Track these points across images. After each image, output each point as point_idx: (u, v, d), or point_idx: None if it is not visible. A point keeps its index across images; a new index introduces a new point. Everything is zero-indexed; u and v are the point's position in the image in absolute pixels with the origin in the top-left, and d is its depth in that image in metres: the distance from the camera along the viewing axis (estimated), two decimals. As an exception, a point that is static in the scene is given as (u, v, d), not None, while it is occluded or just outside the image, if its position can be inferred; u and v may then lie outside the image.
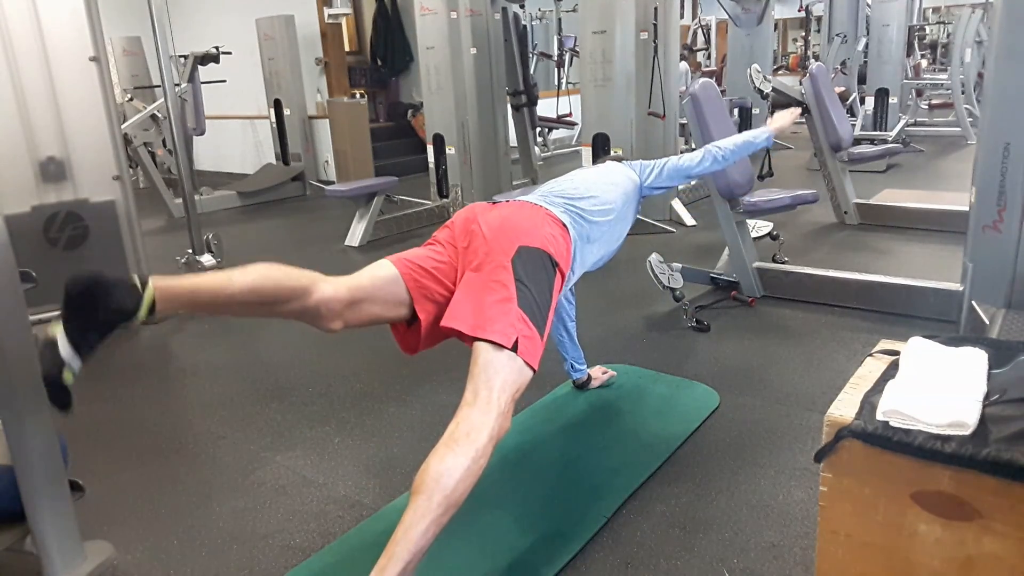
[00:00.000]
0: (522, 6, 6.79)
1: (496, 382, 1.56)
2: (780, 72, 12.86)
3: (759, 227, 4.42)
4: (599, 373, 2.72)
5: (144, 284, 1.53)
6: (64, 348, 1.48)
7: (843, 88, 8.44)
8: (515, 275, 1.68)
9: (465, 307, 1.67)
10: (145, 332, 3.70)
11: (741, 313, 3.49)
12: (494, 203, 1.97)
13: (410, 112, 8.76)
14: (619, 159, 2.56)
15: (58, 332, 1.49)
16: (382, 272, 1.78)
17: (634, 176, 2.36)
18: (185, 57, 6.59)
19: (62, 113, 3.36)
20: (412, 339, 1.84)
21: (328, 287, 1.69)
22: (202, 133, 7.09)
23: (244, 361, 3.27)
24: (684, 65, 7.79)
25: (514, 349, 1.59)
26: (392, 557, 1.42)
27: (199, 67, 6.74)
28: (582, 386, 2.67)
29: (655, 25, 4.80)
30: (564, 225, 1.92)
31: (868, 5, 9.07)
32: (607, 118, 5.02)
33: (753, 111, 8.47)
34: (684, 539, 1.89)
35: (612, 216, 2.12)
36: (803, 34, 11.43)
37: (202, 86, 6.92)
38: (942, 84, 9.20)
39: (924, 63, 10.83)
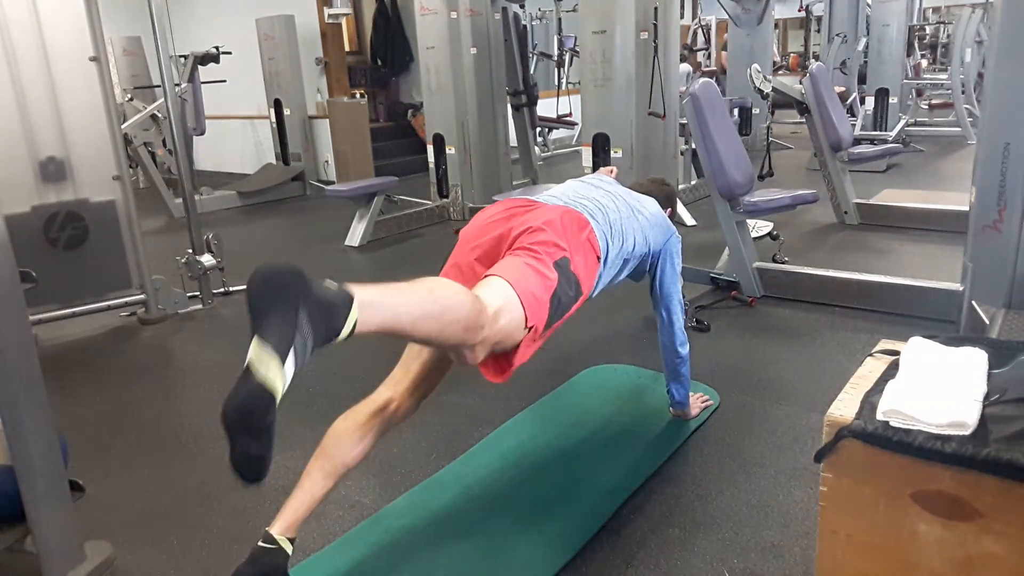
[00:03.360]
0: (522, 6, 6.78)
1: (501, 321, 1.42)
2: (780, 72, 12.85)
3: (759, 227, 4.42)
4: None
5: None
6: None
7: (843, 88, 8.44)
8: (559, 274, 1.61)
9: (507, 265, 1.58)
10: (145, 332, 3.70)
11: (741, 313, 3.49)
12: (533, 200, 1.84)
13: (410, 112, 8.76)
14: (670, 194, 2.42)
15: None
16: (425, 351, 1.78)
17: (655, 240, 2.14)
18: (185, 57, 6.59)
19: (62, 113, 3.37)
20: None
21: (395, 403, 1.75)
22: (202, 133, 7.09)
23: (244, 361, 3.27)
24: (686, 67, 7.79)
25: (526, 330, 1.51)
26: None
27: (199, 67, 6.74)
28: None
29: (655, 25, 4.80)
30: (598, 259, 1.82)
31: (868, 5, 9.07)
32: (607, 118, 5.01)
33: (753, 111, 8.47)
34: (684, 539, 1.89)
35: (619, 264, 1.99)
36: (782, 35, 11.37)
37: (202, 86, 6.92)
38: (942, 84, 9.20)
39: (924, 63, 10.83)
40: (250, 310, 1.11)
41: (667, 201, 2.42)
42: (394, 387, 1.78)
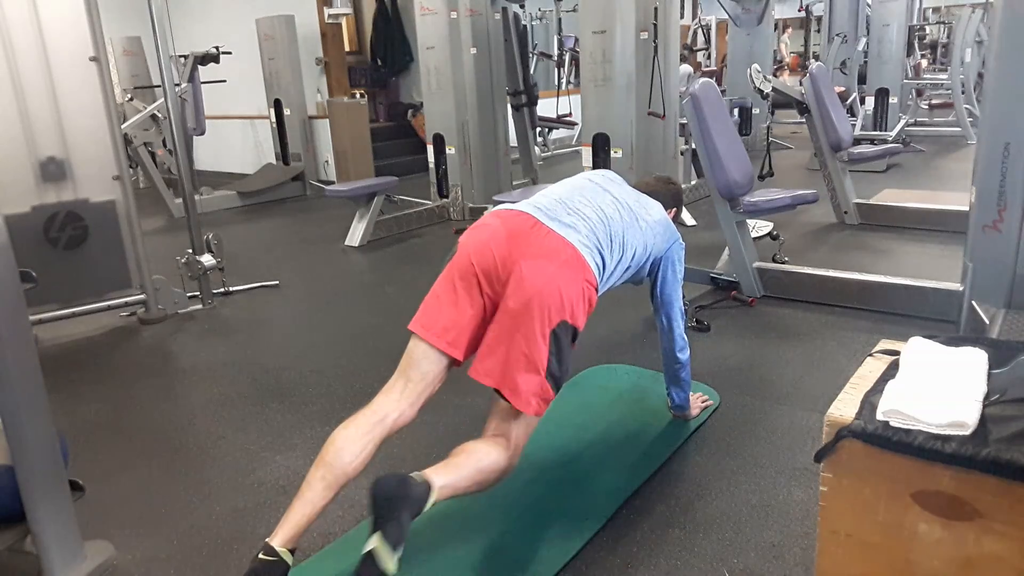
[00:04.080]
0: (522, 6, 6.78)
1: (523, 438, 1.80)
2: (784, 72, 12.84)
3: (759, 227, 4.42)
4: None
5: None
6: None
7: (843, 88, 8.44)
8: (550, 348, 1.74)
9: (496, 362, 1.75)
10: (145, 332, 3.70)
11: (741, 313, 3.49)
12: (536, 221, 1.87)
13: (410, 112, 8.75)
14: (676, 193, 2.44)
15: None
16: (425, 364, 1.82)
17: (657, 247, 2.16)
18: (185, 57, 6.59)
19: (62, 113, 3.37)
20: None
21: (395, 414, 1.80)
22: (202, 133, 7.09)
23: (244, 361, 3.27)
24: (687, 68, 7.78)
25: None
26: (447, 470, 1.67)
27: (199, 67, 6.73)
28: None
29: (655, 25, 4.80)
30: (595, 289, 1.88)
31: (868, 5, 9.07)
32: (607, 118, 5.01)
33: (753, 111, 8.47)
34: (684, 539, 1.89)
35: (619, 274, 2.03)
36: (784, 34, 11.37)
37: (202, 86, 6.91)
38: (942, 84, 9.20)
39: (924, 63, 10.82)
40: (375, 513, 1.52)
41: (673, 200, 2.39)
42: (394, 397, 1.79)
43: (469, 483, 1.68)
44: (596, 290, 1.88)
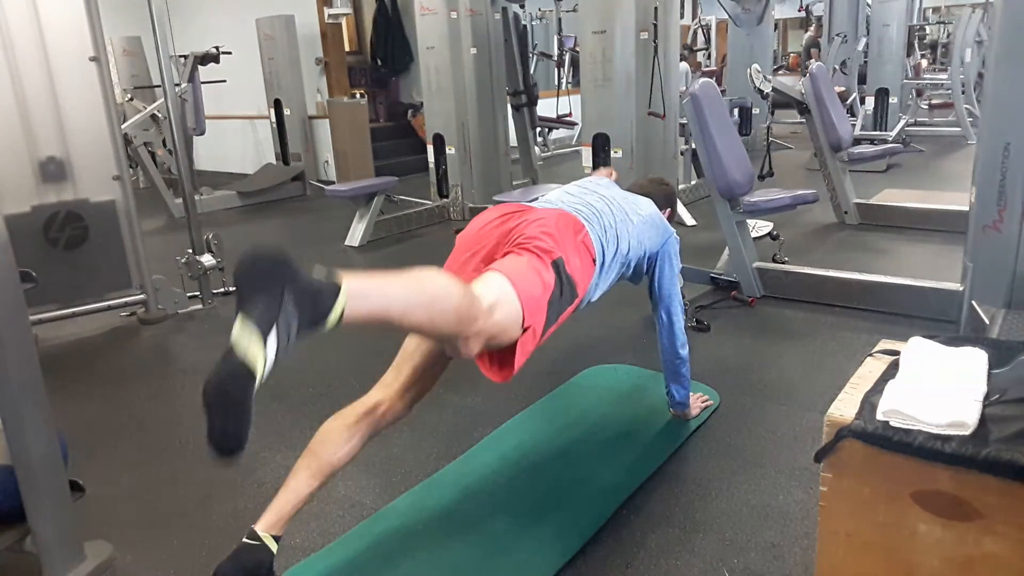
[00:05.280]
0: (522, 6, 6.78)
1: (499, 312, 1.48)
2: (780, 72, 12.84)
3: (759, 227, 4.42)
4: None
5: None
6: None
7: (843, 88, 8.44)
8: (555, 278, 1.65)
9: (506, 262, 1.62)
10: (145, 332, 3.70)
11: (741, 313, 3.49)
12: (530, 207, 1.88)
13: (410, 112, 8.76)
14: (669, 194, 2.41)
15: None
16: (418, 357, 1.81)
17: (652, 242, 2.18)
18: (185, 57, 6.59)
19: (62, 113, 3.37)
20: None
21: (385, 406, 1.76)
22: (202, 133, 7.09)
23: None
24: (684, 66, 7.78)
25: (523, 330, 1.56)
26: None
27: (199, 67, 6.74)
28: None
29: (655, 25, 4.80)
30: (593, 261, 1.88)
31: (868, 5, 9.07)
32: (607, 118, 5.02)
33: (753, 111, 8.47)
34: (684, 539, 1.89)
35: (616, 267, 2.03)
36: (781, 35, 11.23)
37: (202, 86, 6.92)
38: (942, 84, 9.20)
39: (924, 63, 10.82)
40: (236, 290, 1.15)
41: (666, 201, 2.41)
42: (385, 389, 1.80)
43: (406, 304, 1.31)
44: (595, 263, 1.87)
